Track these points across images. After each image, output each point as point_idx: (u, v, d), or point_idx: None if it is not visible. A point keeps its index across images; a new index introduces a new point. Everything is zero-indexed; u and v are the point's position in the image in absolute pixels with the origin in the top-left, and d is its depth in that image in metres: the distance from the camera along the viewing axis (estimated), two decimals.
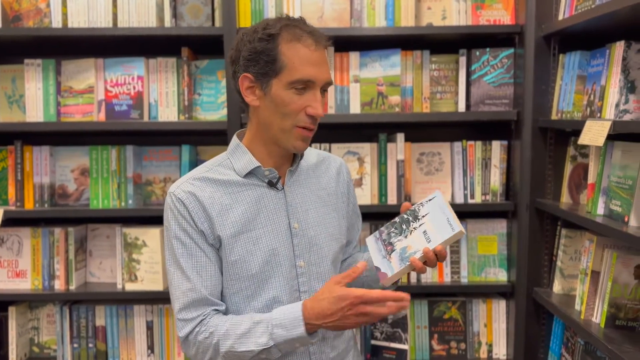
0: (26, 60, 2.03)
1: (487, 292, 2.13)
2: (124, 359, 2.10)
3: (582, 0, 1.69)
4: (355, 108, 2.03)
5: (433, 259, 1.14)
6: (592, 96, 1.64)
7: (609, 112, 1.52)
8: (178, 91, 2.03)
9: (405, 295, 1.09)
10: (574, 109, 1.75)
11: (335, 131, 2.20)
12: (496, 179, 2.06)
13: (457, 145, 2.08)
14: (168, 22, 1.99)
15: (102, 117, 2.03)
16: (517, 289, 1.99)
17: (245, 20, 1.98)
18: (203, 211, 1.17)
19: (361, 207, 2.02)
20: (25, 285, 2.07)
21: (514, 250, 2.03)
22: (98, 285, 2.11)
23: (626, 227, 1.38)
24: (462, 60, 2.04)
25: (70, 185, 2.10)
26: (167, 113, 2.03)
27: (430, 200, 1.23)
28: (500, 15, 2.02)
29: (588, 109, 1.66)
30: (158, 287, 2.01)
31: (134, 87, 2.02)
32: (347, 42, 2.04)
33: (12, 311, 2.06)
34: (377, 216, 2.13)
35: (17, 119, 2.08)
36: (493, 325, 2.11)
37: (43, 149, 2.06)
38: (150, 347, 2.10)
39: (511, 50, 2.01)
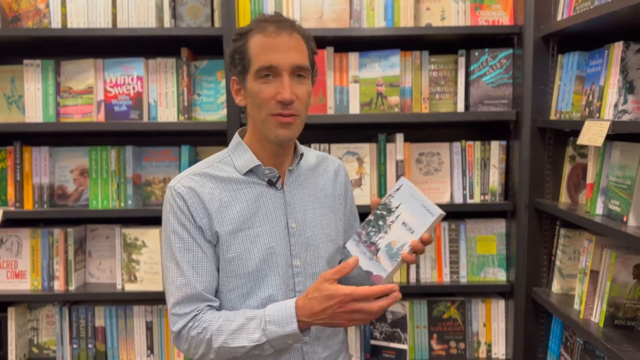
0: (25, 61, 2.03)
1: (486, 291, 2.14)
2: None
3: (581, 0, 1.70)
4: (354, 108, 2.04)
5: (422, 248, 1.14)
6: (590, 96, 1.65)
7: (608, 113, 1.53)
8: (177, 92, 2.03)
9: (394, 286, 1.09)
10: (572, 109, 1.76)
11: (334, 131, 2.20)
12: (495, 179, 2.07)
13: (456, 146, 2.09)
14: (167, 22, 1.99)
15: (101, 117, 2.03)
16: (516, 288, 1.99)
17: (244, 20, 1.98)
18: (202, 207, 1.18)
19: (360, 207, 2.03)
20: (24, 285, 2.07)
21: (513, 250, 2.03)
22: (97, 286, 2.11)
23: (625, 227, 1.39)
24: (461, 60, 2.04)
25: (69, 186, 2.10)
26: (167, 113, 2.03)
27: (398, 189, 1.19)
28: (499, 15, 2.03)
29: (587, 110, 1.67)
30: (158, 287, 2.01)
31: (134, 88, 2.02)
32: (346, 43, 2.04)
33: (11, 312, 2.06)
34: None
35: (17, 119, 2.08)
36: (492, 325, 2.11)
37: (42, 149, 2.06)
38: (150, 348, 2.10)
39: (510, 51, 2.01)
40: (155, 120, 2.04)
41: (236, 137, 1.26)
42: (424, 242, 1.14)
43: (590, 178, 1.62)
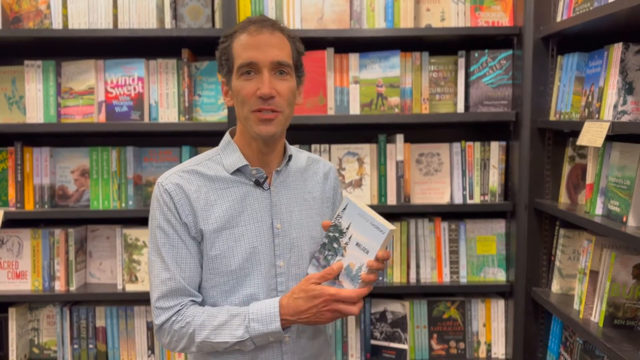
0: (26, 62, 2.03)
1: (486, 291, 2.14)
2: None
3: (580, 2, 1.71)
4: (354, 109, 2.04)
5: (380, 266, 1.17)
6: (590, 97, 1.66)
7: (607, 113, 1.53)
8: (178, 92, 2.03)
9: (370, 289, 1.18)
10: (572, 110, 1.77)
11: (335, 132, 2.21)
12: (495, 179, 2.07)
13: (456, 146, 2.09)
14: (168, 23, 2.00)
15: (102, 118, 2.03)
16: (516, 288, 2.00)
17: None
18: (188, 204, 1.20)
19: None
20: (25, 286, 2.07)
21: (513, 250, 2.04)
22: (98, 286, 2.11)
23: (625, 227, 1.39)
24: (461, 61, 2.05)
25: (70, 187, 2.10)
26: (168, 114, 2.04)
27: (344, 209, 1.20)
28: (498, 17, 2.04)
29: (586, 110, 1.67)
30: None
31: (134, 89, 2.03)
32: (346, 44, 2.05)
33: (12, 312, 2.06)
34: None
35: (17, 120, 2.08)
36: (492, 324, 2.12)
37: (43, 150, 2.06)
38: (151, 348, 2.10)
39: (510, 52, 2.02)
40: (156, 120, 2.04)
41: (226, 137, 1.28)
42: (381, 260, 1.16)
43: (589, 178, 1.62)
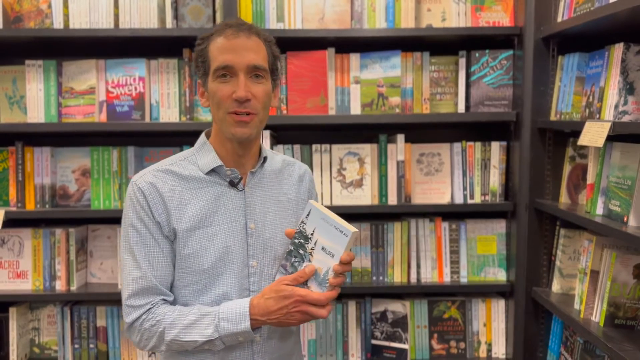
0: (27, 61, 2.03)
1: (487, 291, 2.15)
2: None
3: (581, 2, 1.71)
4: (355, 109, 2.05)
5: (345, 269, 1.18)
6: (591, 97, 1.66)
7: (608, 114, 1.54)
8: (179, 92, 2.04)
9: (338, 291, 1.19)
10: (572, 110, 1.77)
11: (335, 132, 2.21)
12: (495, 179, 2.08)
13: (457, 146, 2.10)
14: (169, 23, 2.00)
15: (103, 118, 2.03)
16: (516, 288, 2.00)
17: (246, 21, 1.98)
18: (162, 203, 1.21)
19: (361, 207, 2.05)
20: (26, 286, 2.07)
21: (513, 250, 2.04)
22: (99, 286, 2.11)
23: (625, 227, 1.40)
24: (462, 61, 2.05)
25: (71, 186, 2.10)
26: (169, 114, 2.04)
27: (308, 215, 1.20)
28: (499, 17, 2.04)
29: (587, 110, 1.68)
30: None
31: (136, 88, 2.03)
32: (347, 44, 2.05)
33: (12, 312, 2.06)
34: (377, 217, 2.14)
35: (18, 119, 2.08)
36: (492, 324, 2.12)
37: (44, 149, 2.06)
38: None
39: (510, 52, 2.02)
40: (157, 120, 2.04)
41: (202, 137, 1.30)
42: (346, 263, 1.17)
43: (590, 178, 1.63)
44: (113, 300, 2.11)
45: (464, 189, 2.09)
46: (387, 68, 2.04)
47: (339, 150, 2.07)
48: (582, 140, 1.54)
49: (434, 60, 2.08)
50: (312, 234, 1.20)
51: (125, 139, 2.16)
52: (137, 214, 1.21)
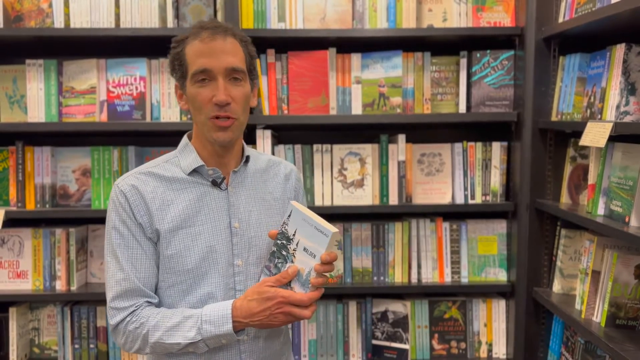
0: (28, 61, 2.02)
1: (487, 292, 2.15)
2: None
3: (582, 3, 1.71)
4: (356, 109, 2.05)
5: (326, 269, 1.18)
6: (592, 98, 1.66)
7: (610, 114, 1.54)
8: None
9: (321, 292, 1.18)
10: (573, 110, 1.77)
11: (336, 132, 2.21)
12: (496, 179, 2.08)
13: (458, 146, 2.10)
14: (170, 22, 2.00)
15: (104, 117, 2.03)
16: (517, 288, 2.01)
17: (247, 21, 1.98)
18: (144, 204, 1.21)
19: (362, 207, 2.05)
20: (26, 285, 2.06)
21: (514, 251, 2.05)
22: (99, 286, 2.10)
23: (627, 228, 1.40)
24: (463, 62, 2.05)
25: (71, 186, 2.10)
26: (169, 114, 2.04)
27: (289, 216, 1.21)
28: (500, 17, 2.04)
29: (588, 111, 1.68)
30: None
31: (136, 88, 2.02)
32: (349, 44, 2.05)
33: (12, 312, 2.05)
34: (378, 217, 2.14)
35: (19, 119, 2.08)
36: (493, 324, 2.12)
37: (44, 149, 2.05)
38: None
39: (511, 52, 2.03)
40: (158, 120, 2.04)
41: (184, 139, 1.30)
42: (327, 262, 1.17)
43: (592, 179, 1.63)
44: None
45: (465, 189, 2.09)
46: (388, 68, 2.04)
47: (340, 150, 2.07)
48: (584, 141, 1.54)
49: (435, 60, 2.08)
50: (293, 234, 1.20)
51: (125, 139, 2.15)
52: (119, 216, 1.21)
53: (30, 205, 2.05)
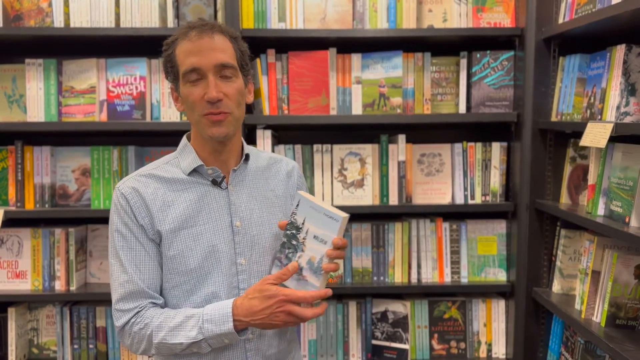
0: (27, 60, 2.02)
1: (487, 292, 2.15)
2: None
3: (582, 3, 1.72)
4: (357, 109, 2.05)
5: (339, 254, 1.18)
6: (592, 98, 1.67)
7: (610, 115, 1.54)
8: None
9: (328, 291, 1.17)
10: (573, 111, 1.78)
11: (337, 132, 2.21)
12: (496, 179, 2.08)
13: (458, 147, 2.10)
14: (171, 22, 1.99)
15: (103, 117, 2.02)
16: (517, 288, 2.01)
17: (248, 21, 1.98)
18: (144, 206, 1.22)
19: (362, 207, 2.05)
20: (25, 286, 2.06)
21: (514, 251, 2.05)
22: (98, 286, 2.10)
23: (627, 228, 1.40)
24: (463, 62, 2.06)
25: (71, 186, 2.09)
26: (169, 113, 2.03)
27: (298, 205, 1.21)
28: (500, 18, 2.04)
29: (588, 111, 1.68)
30: None
31: (136, 88, 2.02)
32: (349, 44, 2.05)
33: (11, 312, 2.05)
34: (378, 217, 2.15)
35: (18, 118, 2.07)
36: (493, 324, 2.13)
37: (44, 149, 2.05)
38: None
39: (511, 53, 2.03)
40: (158, 120, 2.04)
41: (183, 140, 1.31)
42: (339, 247, 1.17)
43: (592, 179, 1.63)
44: None
45: (465, 189, 2.09)
46: (389, 68, 2.04)
47: (340, 150, 2.07)
48: (584, 141, 1.55)
49: (435, 60, 2.08)
50: (302, 223, 1.20)
51: (125, 139, 2.15)
52: (121, 219, 1.22)
53: (30, 205, 2.04)
